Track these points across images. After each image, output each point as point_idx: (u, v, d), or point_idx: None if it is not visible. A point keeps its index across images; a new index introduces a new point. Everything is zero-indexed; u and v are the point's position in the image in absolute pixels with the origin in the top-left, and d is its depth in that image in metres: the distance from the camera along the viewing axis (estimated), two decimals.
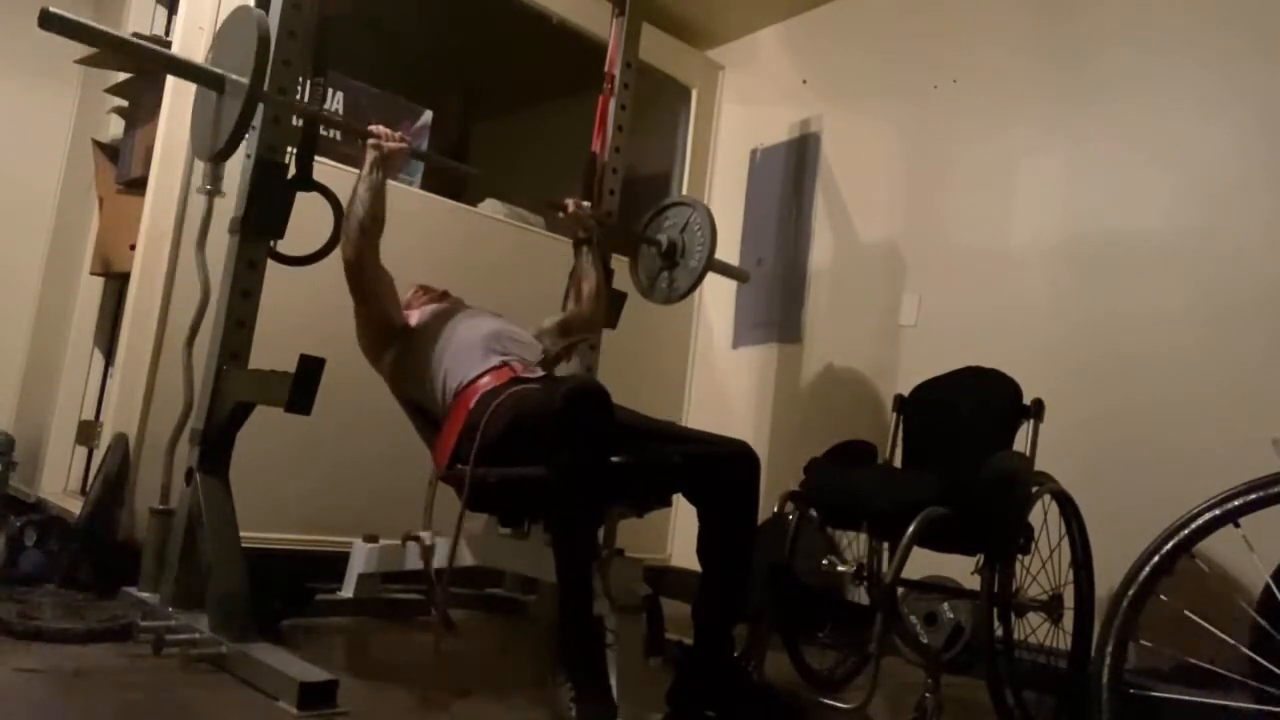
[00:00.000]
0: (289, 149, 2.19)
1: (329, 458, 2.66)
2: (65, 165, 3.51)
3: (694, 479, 1.95)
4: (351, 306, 2.15)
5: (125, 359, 2.50)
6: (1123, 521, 1.93)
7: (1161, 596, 1.43)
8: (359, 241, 2.06)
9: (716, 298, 3.69)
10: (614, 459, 1.78)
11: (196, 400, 2.16)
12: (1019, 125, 2.92)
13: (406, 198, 2.78)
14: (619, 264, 2.90)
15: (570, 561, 1.70)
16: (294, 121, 2.21)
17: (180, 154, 2.49)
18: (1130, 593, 1.44)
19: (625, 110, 2.87)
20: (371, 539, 2.48)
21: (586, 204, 2.60)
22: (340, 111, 2.81)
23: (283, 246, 2.20)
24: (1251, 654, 1.46)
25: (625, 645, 1.83)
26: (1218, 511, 1.41)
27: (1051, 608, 2.06)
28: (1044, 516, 2.08)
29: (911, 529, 1.88)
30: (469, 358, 2.08)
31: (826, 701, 2.11)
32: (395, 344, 2.17)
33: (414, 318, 2.24)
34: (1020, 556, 2.02)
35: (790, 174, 3.57)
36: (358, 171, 2.13)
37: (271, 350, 2.07)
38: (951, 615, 2.24)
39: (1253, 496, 1.40)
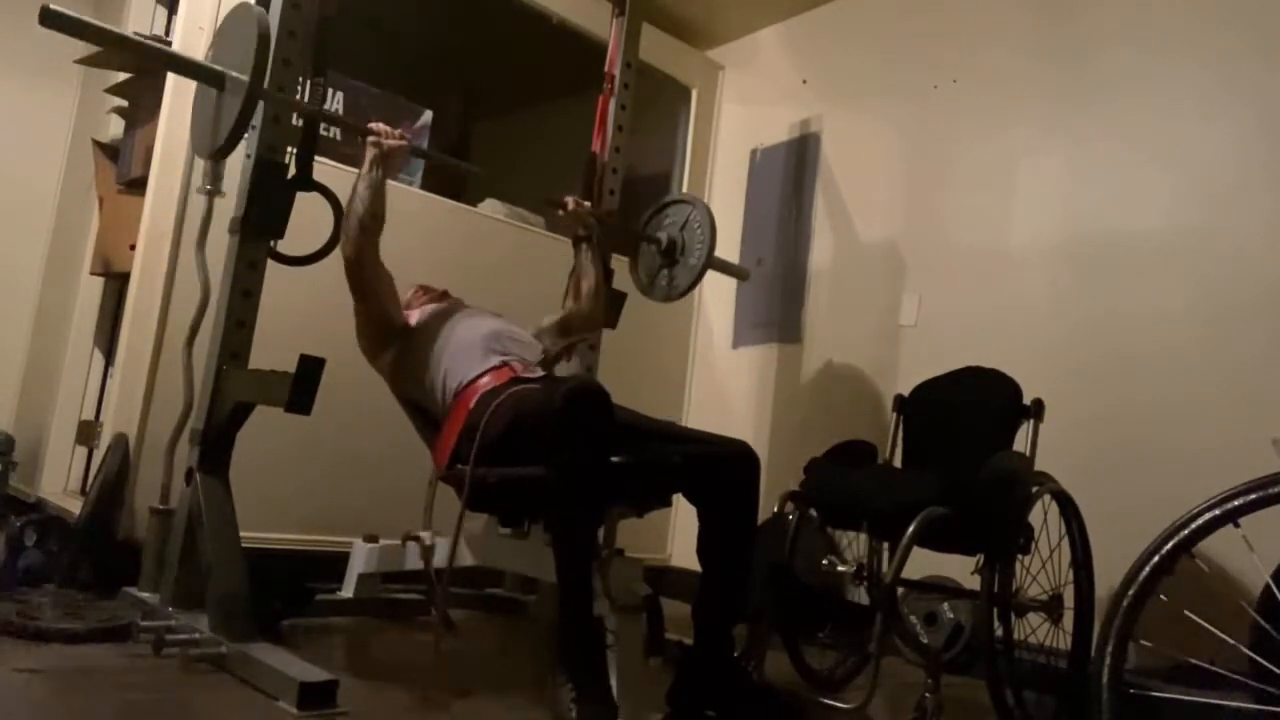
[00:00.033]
0: (289, 149, 2.19)
1: (329, 458, 2.66)
2: (65, 165, 3.51)
3: (694, 479, 1.95)
4: (351, 306, 2.15)
5: (125, 359, 2.50)
6: (1123, 521, 1.93)
7: (1161, 596, 1.43)
8: (359, 240, 2.06)
9: (716, 297, 3.69)
10: (614, 459, 1.78)
11: (196, 400, 2.17)
12: (1019, 125, 2.92)
13: (406, 198, 2.78)
14: (619, 264, 2.90)
15: (570, 561, 1.70)
16: (294, 121, 2.21)
17: (180, 154, 2.49)
18: (1130, 593, 1.44)
19: (625, 110, 2.87)
20: (371, 539, 2.47)
21: (587, 203, 2.60)
22: (340, 111, 2.81)
23: (283, 246, 2.20)
24: (1251, 654, 1.46)
25: (625, 645, 1.82)
26: (1218, 511, 1.41)
27: (1051, 608, 2.06)
28: (1044, 516, 2.08)
29: (911, 529, 1.88)
30: (469, 357, 2.08)
31: (826, 701, 2.12)
32: (395, 343, 2.17)
33: (414, 317, 2.24)
34: (1020, 556, 2.02)
35: (790, 174, 3.57)
36: (358, 171, 2.13)
37: (271, 350, 2.07)
38: (951, 615, 2.25)
39: (1253, 496, 1.40)
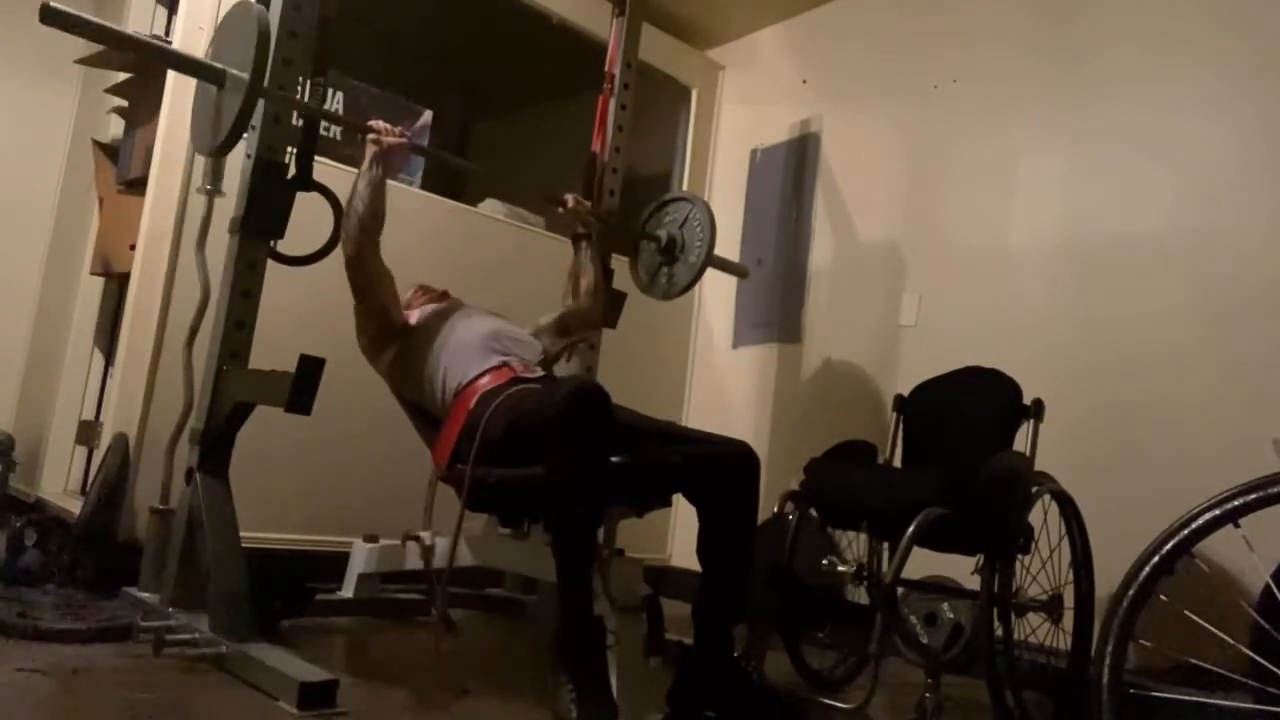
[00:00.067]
0: (289, 149, 2.19)
1: (329, 458, 2.66)
2: (65, 165, 3.51)
3: (694, 479, 1.95)
4: (351, 306, 2.15)
5: (125, 359, 2.50)
6: (1123, 521, 1.93)
7: (1161, 596, 1.43)
8: (359, 238, 2.07)
9: (716, 297, 3.69)
10: (614, 459, 1.78)
11: (196, 400, 2.17)
12: (1019, 125, 2.92)
13: (406, 197, 2.78)
14: (619, 264, 2.90)
15: (570, 561, 1.70)
16: (294, 121, 2.21)
17: (180, 154, 2.49)
18: (1130, 593, 1.44)
19: (625, 110, 2.87)
20: (371, 539, 2.48)
21: (586, 201, 2.60)
22: (340, 111, 2.81)
23: (283, 246, 2.20)
24: (1251, 654, 1.46)
25: (625, 645, 1.83)
26: (1218, 511, 1.41)
27: (1051, 608, 2.06)
28: (1044, 516, 2.08)
29: (911, 529, 1.88)
30: (468, 357, 2.09)
31: (826, 701, 2.12)
32: (395, 343, 2.17)
33: (413, 317, 2.24)
34: (1020, 556, 2.02)
35: (790, 174, 3.57)
36: (358, 170, 2.13)
37: (271, 350, 2.07)
38: (951, 615, 2.24)
39: (1253, 496, 1.40)
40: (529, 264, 3.07)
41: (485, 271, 2.93)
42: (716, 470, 1.94)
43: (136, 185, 2.70)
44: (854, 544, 2.34)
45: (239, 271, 2.09)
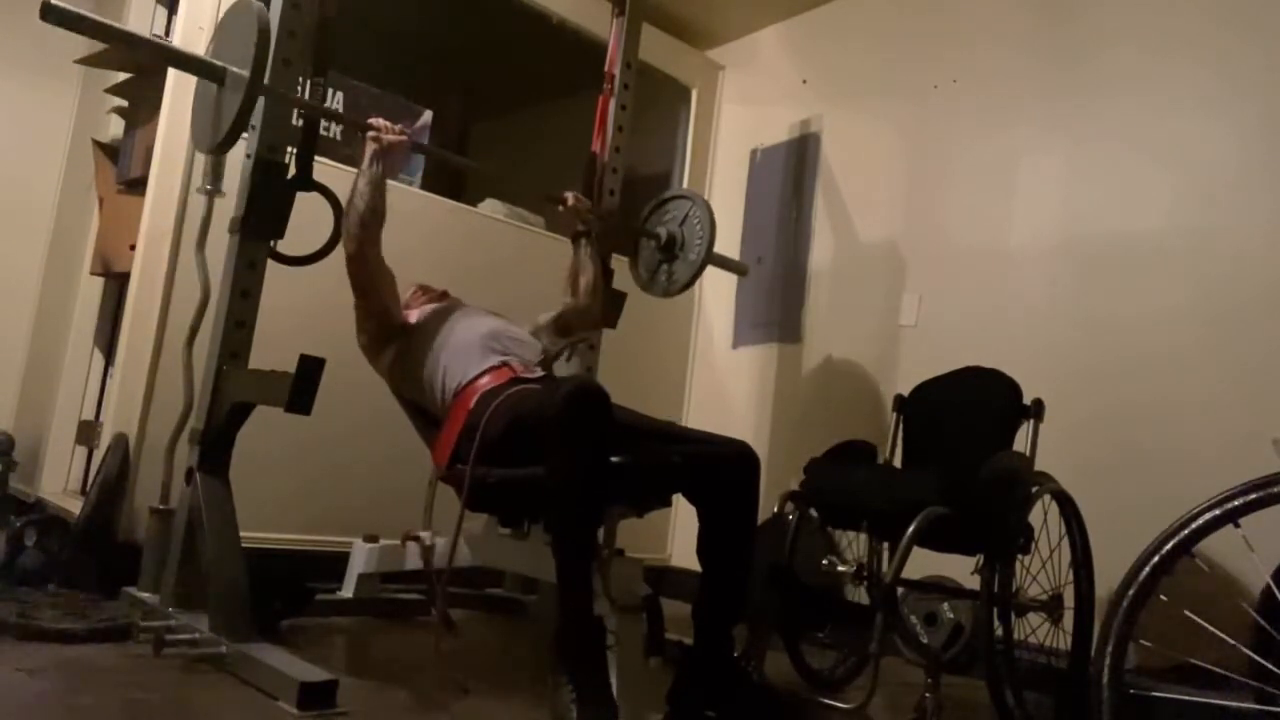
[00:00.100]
0: (289, 149, 2.19)
1: (329, 458, 2.66)
2: (65, 165, 3.51)
3: (694, 479, 1.95)
4: (351, 306, 2.15)
5: (125, 359, 2.50)
6: (1123, 521, 1.93)
7: (1161, 596, 1.43)
8: (360, 235, 2.07)
9: (716, 297, 3.69)
10: (614, 459, 1.78)
11: (196, 400, 2.17)
12: (1019, 125, 2.92)
13: (406, 197, 2.78)
14: (619, 264, 2.90)
15: (570, 562, 1.70)
16: (294, 121, 2.21)
17: (180, 154, 2.49)
18: (1130, 593, 1.44)
19: (625, 110, 2.87)
20: (371, 539, 2.48)
21: (587, 200, 2.60)
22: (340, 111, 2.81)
23: (283, 246, 2.20)
24: (1251, 654, 1.46)
25: (625, 645, 1.82)
26: (1218, 511, 1.41)
27: (1051, 608, 2.06)
28: (1044, 516, 2.08)
29: (911, 529, 1.88)
30: (468, 357, 2.09)
31: (826, 701, 2.12)
32: (394, 342, 2.17)
33: (413, 317, 2.24)
34: (1020, 556, 2.02)
35: (790, 174, 3.57)
36: (358, 170, 2.13)
37: (271, 350, 2.07)
38: (951, 615, 2.25)
39: (1253, 496, 1.39)
40: (529, 264, 3.07)
41: (485, 271, 2.93)
42: (716, 470, 1.94)
43: (136, 185, 2.70)
44: (854, 544, 2.34)
45: (239, 271, 2.09)
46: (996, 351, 2.43)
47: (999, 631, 1.93)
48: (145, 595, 2.14)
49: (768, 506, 2.09)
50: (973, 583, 2.02)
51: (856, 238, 3.32)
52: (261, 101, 2.03)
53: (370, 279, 2.11)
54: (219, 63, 1.94)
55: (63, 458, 3.00)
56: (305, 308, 2.46)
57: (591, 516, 1.76)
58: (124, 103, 2.96)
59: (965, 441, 2.22)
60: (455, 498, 1.92)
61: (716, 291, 3.66)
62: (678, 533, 3.52)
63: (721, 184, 3.83)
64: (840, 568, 2.24)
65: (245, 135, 2.08)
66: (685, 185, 3.75)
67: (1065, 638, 2.10)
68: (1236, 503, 1.40)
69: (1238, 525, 1.41)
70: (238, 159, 2.16)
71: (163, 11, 3.04)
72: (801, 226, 3.49)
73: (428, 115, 3.08)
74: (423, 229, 2.86)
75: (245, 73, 1.85)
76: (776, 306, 3.50)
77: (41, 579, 2.33)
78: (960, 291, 2.96)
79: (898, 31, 3.34)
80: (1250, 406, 2.28)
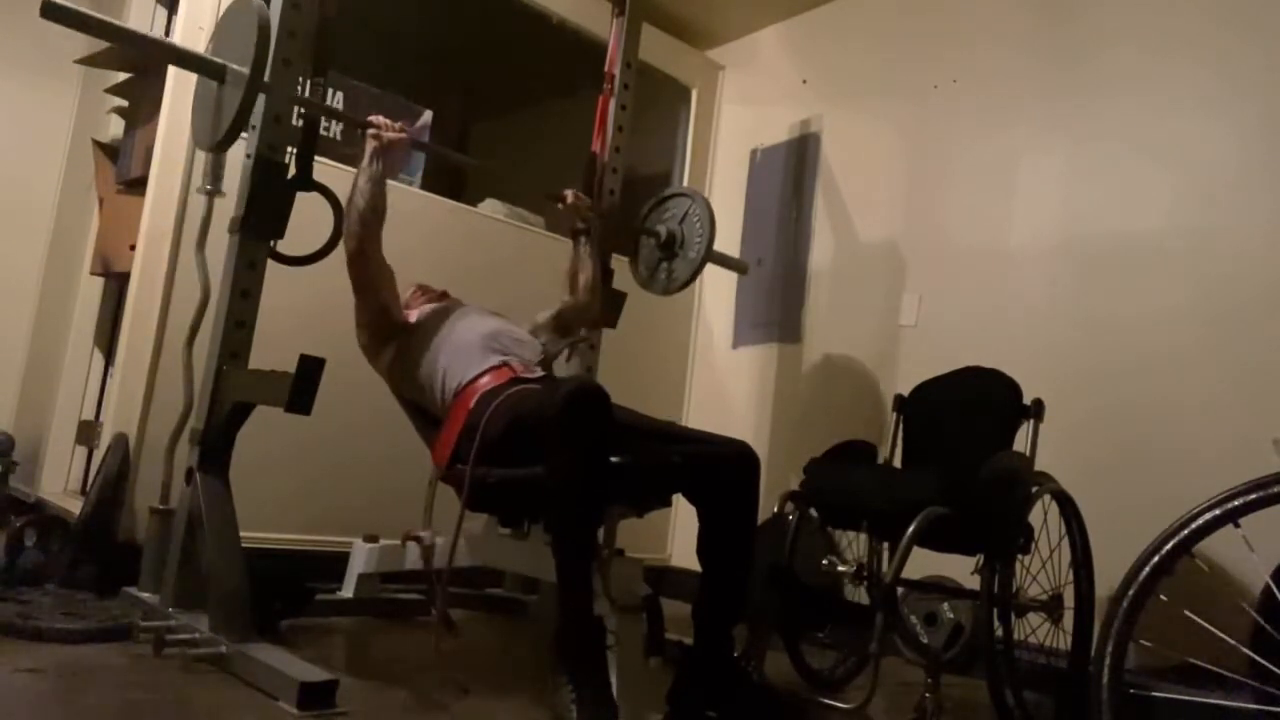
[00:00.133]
0: (289, 149, 2.19)
1: (329, 458, 2.66)
2: (65, 165, 3.51)
3: (694, 479, 1.95)
4: (351, 306, 2.15)
5: (125, 359, 2.50)
6: (1123, 521, 1.93)
7: (1161, 596, 1.43)
8: (360, 233, 2.07)
9: (716, 297, 3.69)
10: (614, 459, 1.78)
11: (196, 400, 2.16)
12: (1019, 125, 2.92)
13: (406, 197, 2.78)
14: (619, 264, 2.90)
15: (570, 562, 1.70)
16: (294, 120, 2.21)
17: (180, 154, 2.50)
18: (1130, 593, 1.44)
19: (625, 110, 2.87)
20: (371, 539, 2.48)
21: (586, 198, 2.61)
22: None
23: (283, 246, 2.20)
24: (1251, 654, 1.46)
25: (625, 645, 1.82)
26: (1218, 511, 1.41)
27: (1051, 608, 2.06)
28: (1044, 516, 2.08)
29: (911, 529, 1.88)
30: (468, 357, 2.08)
31: (826, 701, 2.12)
32: (394, 341, 2.17)
33: (413, 316, 2.24)
34: (1020, 556, 2.02)
35: (790, 174, 3.57)
36: (358, 169, 2.13)
37: (271, 350, 2.07)
38: (951, 615, 2.25)
39: (1253, 496, 1.40)
40: (529, 264, 3.07)
41: (485, 271, 2.93)
42: (716, 470, 1.94)
43: (136, 185, 2.70)
44: (854, 544, 2.34)
45: (239, 271, 2.09)
46: (996, 351, 2.43)
47: (999, 631, 1.93)
48: (145, 595, 2.14)
49: (768, 506, 2.09)
50: (973, 583, 2.02)
51: (856, 238, 3.32)
52: (261, 101, 2.03)
53: (371, 278, 2.11)
54: (219, 60, 1.95)
55: (63, 458, 3.00)
56: (305, 308, 2.46)
57: (591, 516, 1.76)
58: (124, 102, 2.96)
59: (965, 441, 2.22)
60: (455, 498, 1.92)
61: (716, 291, 3.66)
62: (678, 533, 3.53)
63: (721, 184, 3.83)
64: (840, 568, 2.24)
65: (245, 135, 2.08)
66: (685, 185, 3.75)
67: (1065, 638, 2.10)
68: (1236, 503, 1.40)
69: (1238, 525, 1.41)
70: (238, 159, 2.16)
71: (163, 11, 3.04)
72: (801, 226, 3.49)
73: (428, 115, 3.08)
74: (423, 229, 2.86)
75: (245, 69, 1.86)
76: (776, 306, 3.50)
77: (41, 579, 2.33)
78: (960, 291, 2.96)
79: (898, 31, 3.34)
80: (1250, 406, 2.28)
